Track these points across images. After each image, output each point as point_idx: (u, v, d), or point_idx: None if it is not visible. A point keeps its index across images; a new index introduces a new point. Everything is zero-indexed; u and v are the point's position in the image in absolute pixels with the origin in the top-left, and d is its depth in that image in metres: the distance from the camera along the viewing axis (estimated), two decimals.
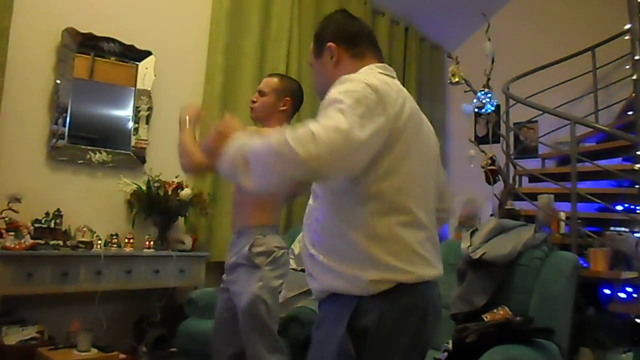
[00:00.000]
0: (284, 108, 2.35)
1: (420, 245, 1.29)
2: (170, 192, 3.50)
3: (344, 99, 1.17)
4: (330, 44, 1.47)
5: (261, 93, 2.36)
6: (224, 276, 2.39)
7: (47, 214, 3.10)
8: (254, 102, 2.38)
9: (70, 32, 3.35)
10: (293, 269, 3.08)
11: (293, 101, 2.38)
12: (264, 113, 2.36)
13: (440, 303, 1.41)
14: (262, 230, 2.28)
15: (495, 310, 2.58)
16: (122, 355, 3.00)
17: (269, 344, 2.19)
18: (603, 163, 3.96)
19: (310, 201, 1.42)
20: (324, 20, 1.57)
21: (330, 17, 1.57)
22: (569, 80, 4.77)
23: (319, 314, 1.39)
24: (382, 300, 1.23)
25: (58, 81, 3.31)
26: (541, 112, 4.45)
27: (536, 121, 5.12)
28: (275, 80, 2.40)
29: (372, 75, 1.32)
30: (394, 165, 1.26)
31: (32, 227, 2.99)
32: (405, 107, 1.30)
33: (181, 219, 3.69)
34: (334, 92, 1.22)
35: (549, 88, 4.72)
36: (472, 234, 2.98)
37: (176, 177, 3.58)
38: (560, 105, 4.71)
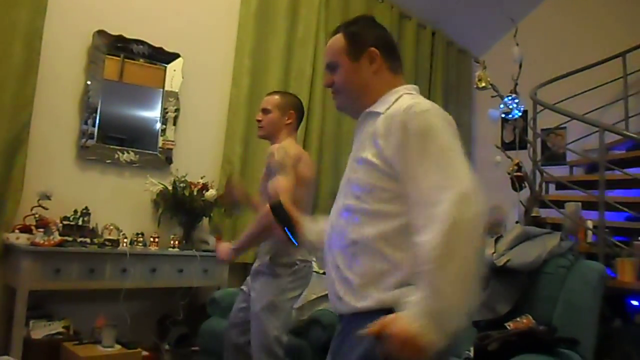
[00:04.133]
0: (289, 122, 2.47)
1: None
2: (195, 193, 3.54)
3: (450, 146, 1.23)
4: (373, 49, 1.43)
5: (265, 111, 2.48)
6: (248, 278, 2.46)
7: (76, 211, 3.16)
8: (259, 120, 2.49)
9: (101, 34, 3.43)
10: (315, 271, 3.09)
11: (297, 114, 2.50)
12: (271, 129, 2.47)
13: None
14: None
15: (518, 319, 2.54)
16: (144, 352, 3.05)
17: (269, 351, 2.28)
18: (632, 171, 3.87)
19: (339, 220, 1.39)
20: (359, 22, 1.50)
21: (367, 21, 1.52)
22: (598, 87, 4.69)
23: (339, 328, 1.40)
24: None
25: (89, 82, 3.38)
26: (569, 119, 4.38)
27: (564, 128, 5.05)
28: (276, 97, 2.51)
29: (435, 106, 1.34)
30: None
31: (60, 224, 3.05)
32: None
33: (205, 220, 3.73)
34: (415, 124, 1.24)
35: (578, 94, 4.64)
36: (496, 240, 2.95)
37: (201, 177, 3.62)
38: (590, 112, 4.62)
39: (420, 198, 1.20)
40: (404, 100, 1.36)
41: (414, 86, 1.48)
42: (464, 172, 1.19)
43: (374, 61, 1.43)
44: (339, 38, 1.46)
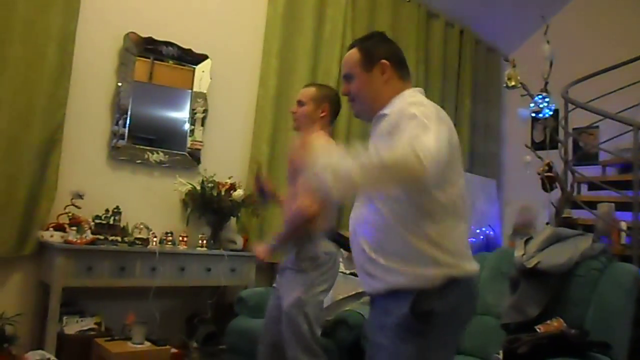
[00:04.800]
0: (323, 114, 2.44)
1: (465, 246, 1.52)
2: (223, 193, 3.58)
3: (423, 117, 1.37)
4: (384, 61, 1.60)
5: (300, 103, 2.46)
6: (277, 276, 2.47)
7: (107, 210, 3.23)
8: (294, 112, 2.47)
9: (132, 37, 3.49)
10: (342, 272, 3.09)
11: (331, 107, 2.47)
12: (305, 122, 2.45)
13: (477, 291, 1.59)
14: (310, 235, 2.32)
15: (549, 322, 2.50)
16: (173, 350, 3.09)
17: (304, 347, 2.26)
18: None
19: (362, 209, 1.54)
20: (373, 38, 1.69)
21: (379, 37, 1.70)
22: (632, 84, 4.56)
23: (375, 307, 1.54)
24: (440, 291, 1.41)
25: (119, 84, 3.45)
26: (602, 117, 4.29)
27: (597, 127, 4.93)
28: (312, 89, 2.49)
29: (424, 99, 1.54)
30: (448, 177, 1.43)
31: (92, 223, 3.12)
32: (454, 136, 1.48)
33: (233, 219, 3.76)
34: (409, 109, 1.41)
35: (611, 92, 4.53)
36: (526, 242, 2.90)
37: (229, 178, 3.66)
38: (623, 111, 4.50)
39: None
40: (403, 98, 1.55)
41: (419, 89, 1.64)
42: (433, 139, 1.30)
43: (384, 72, 1.61)
44: (354, 52, 1.65)
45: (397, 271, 1.43)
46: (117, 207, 3.26)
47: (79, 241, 2.95)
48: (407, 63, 1.69)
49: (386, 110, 1.54)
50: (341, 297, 3.11)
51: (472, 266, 1.51)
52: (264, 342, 2.44)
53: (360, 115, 1.69)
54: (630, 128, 3.82)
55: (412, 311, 1.39)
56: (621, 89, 4.54)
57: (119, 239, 3.15)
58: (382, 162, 1.27)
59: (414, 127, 1.34)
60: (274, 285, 2.51)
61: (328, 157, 1.34)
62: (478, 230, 4.96)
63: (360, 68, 1.62)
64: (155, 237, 3.34)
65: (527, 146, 4.58)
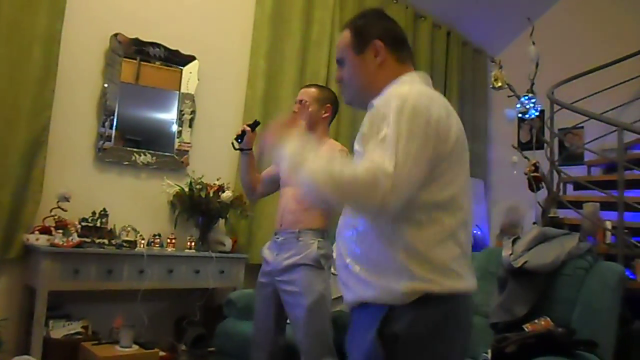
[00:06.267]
0: (325, 115, 2.47)
1: (453, 260, 1.28)
2: (211, 194, 3.56)
3: (400, 130, 1.20)
4: (378, 42, 1.42)
5: (302, 103, 2.43)
6: (262, 279, 2.43)
7: (94, 213, 3.19)
8: (295, 112, 2.45)
9: (118, 38, 3.46)
10: (332, 273, 3.10)
11: (333, 108, 2.49)
12: (309, 122, 2.42)
13: (472, 315, 1.41)
14: (322, 233, 2.37)
15: (536, 321, 2.52)
16: (162, 353, 3.07)
17: (325, 344, 2.27)
18: None
19: (346, 211, 1.40)
20: (366, 16, 1.50)
21: (373, 14, 1.51)
22: (616, 85, 4.62)
23: (350, 323, 1.39)
24: (412, 308, 1.23)
25: (106, 85, 3.42)
26: (587, 118, 4.34)
27: (582, 127, 4.99)
28: (314, 90, 2.49)
29: (422, 93, 1.32)
30: (439, 175, 1.26)
31: (79, 226, 3.09)
32: (452, 128, 1.29)
33: (222, 221, 3.75)
34: (390, 113, 1.22)
35: (596, 93, 4.59)
36: (513, 242, 2.93)
37: (217, 179, 3.64)
38: (608, 111, 4.56)
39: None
40: (394, 86, 1.37)
41: (420, 73, 1.45)
42: (398, 160, 1.17)
43: (378, 54, 1.42)
44: (346, 33, 1.48)
45: (367, 282, 1.28)
46: (104, 210, 3.23)
47: (65, 244, 2.91)
48: (406, 43, 1.48)
49: (375, 101, 1.35)
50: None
51: (459, 284, 1.28)
52: (261, 352, 2.41)
53: (351, 103, 1.52)
54: (615, 128, 3.86)
55: (379, 333, 1.23)
56: (606, 89, 4.60)
57: (106, 241, 3.12)
58: (339, 178, 1.18)
59: (380, 145, 1.20)
60: (263, 290, 2.46)
61: (296, 147, 1.26)
62: None
63: (351, 50, 1.44)
64: (143, 239, 3.31)
65: (513, 146, 4.61)
